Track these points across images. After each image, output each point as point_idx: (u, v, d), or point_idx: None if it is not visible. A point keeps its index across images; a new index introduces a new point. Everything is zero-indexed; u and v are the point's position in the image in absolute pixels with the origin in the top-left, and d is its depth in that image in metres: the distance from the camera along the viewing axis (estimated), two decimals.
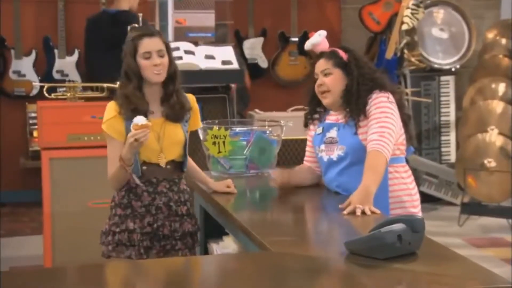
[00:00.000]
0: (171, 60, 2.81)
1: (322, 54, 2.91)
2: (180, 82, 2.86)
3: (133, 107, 2.76)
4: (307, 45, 2.93)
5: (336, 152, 2.88)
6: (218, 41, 5.14)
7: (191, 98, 2.95)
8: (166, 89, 2.81)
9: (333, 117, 2.95)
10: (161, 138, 2.80)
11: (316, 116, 3.00)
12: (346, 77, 2.87)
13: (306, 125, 3.04)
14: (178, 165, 2.88)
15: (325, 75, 2.88)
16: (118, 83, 4.43)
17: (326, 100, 2.91)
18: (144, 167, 2.82)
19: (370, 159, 2.73)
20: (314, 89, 2.94)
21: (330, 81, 2.88)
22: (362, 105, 2.82)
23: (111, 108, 2.83)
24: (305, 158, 3.09)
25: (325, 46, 2.91)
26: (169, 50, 2.80)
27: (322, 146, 2.93)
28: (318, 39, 2.89)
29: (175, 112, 2.82)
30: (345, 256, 2.15)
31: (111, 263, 2.76)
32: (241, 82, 5.16)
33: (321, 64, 2.90)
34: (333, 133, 2.91)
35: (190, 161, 2.97)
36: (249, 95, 5.87)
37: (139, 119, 2.65)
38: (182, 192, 2.89)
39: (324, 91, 2.89)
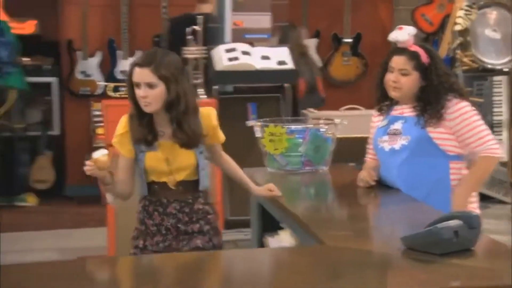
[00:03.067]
0: (169, 89, 2.52)
1: (403, 51, 2.86)
2: (189, 107, 2.57)
3: (135, 136, 2.60)
4: (392, 37, 2.88)
5: (400, 142, 2.85)
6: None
7: (208, 115, 2.66)
8: (170, 116, 2.57)
9: (397, 111, 2.93)
10: (170, 161, 2.61)
11: (385, 108, 2.97)
12: (423, 80, 2.85)
13: (376, 104, 3.00)
14: (192, 184, 2.66)
15: (403, 74, 2.85)
16: None
17: (394, 94, 2.89)
18: (156, 186, 2.65)
19: (482, 165, 2.84)
20: (383, 81, 2.91)
21: (406, 82, 2.85)
22: (439, 110, 2.81)
23: (122, 123, 2.66)
24: (370, 156, 3.06)
25: (410, 43, 2.87)
26: (167, 79, 2.52)
27: (385, 137, 2.90)
28: (405, 37, 2.85)
29: (183, 141, 2.59)
30: (402, 251, 2.10)
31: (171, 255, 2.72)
32: (295, 81, 5.12)
33: (401, 62, 2.86)
34: (398, 125, 2.88)
35: (230, 163, 2.80)
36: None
37: (97, 153, 2.50)
38: (195, 212, 2.66)
39: (396, 87, 2.87)
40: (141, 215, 2.71)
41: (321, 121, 3.44)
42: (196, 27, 4.61)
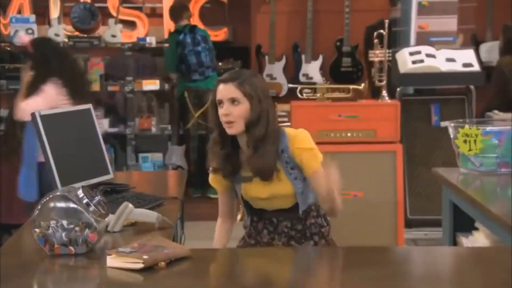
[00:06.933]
0: (252, 107, 2.28)
1: None
2: (268, 132, 2.29)
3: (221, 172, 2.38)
4: None
5: None
6: None
7: (294, 137, 2.36)
8: (248, 141, 2.30)
9: None
10: (265, 192, 2.39)
11: None
12: None
13: None
14: (293, 208, 2.45)
15: None
16: (362, 84, 4.56)
17: None
18: (260, 210, 2.47)
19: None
20: None
21: None
22: None
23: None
24: None
25: None
26: (251, 97, 2.27)
27: None
28: None
29: (255, 169, 2.32)
30: None
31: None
32: (481, 83, 4.94)
33: None
34: None
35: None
36: None
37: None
38: (308, 228, 2.47)
39: None
40: (250, 230, 2.50)
41: None
42: (382, 31, 4.59)
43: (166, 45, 6.02)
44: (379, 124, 4.31)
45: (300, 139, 2.36)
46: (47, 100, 3.73)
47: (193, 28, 5.96)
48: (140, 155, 6.07)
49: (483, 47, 6.13)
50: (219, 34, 6.62)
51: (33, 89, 3.78)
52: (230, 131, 2.28)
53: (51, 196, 2.05)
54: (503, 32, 5.36)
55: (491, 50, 6.13)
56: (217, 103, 2.30)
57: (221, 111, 2.27)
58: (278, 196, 2.39)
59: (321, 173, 2.32)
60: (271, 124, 2.31)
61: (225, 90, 2.27)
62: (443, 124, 3.36)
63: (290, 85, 5.41)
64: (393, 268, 2.04)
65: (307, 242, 2.45)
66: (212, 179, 2.47)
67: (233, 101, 2.26)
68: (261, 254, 2.25)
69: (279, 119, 6.15)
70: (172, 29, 6.14)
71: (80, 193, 2.05)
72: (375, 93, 4.64)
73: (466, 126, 3.14)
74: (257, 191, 2.40)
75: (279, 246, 2.46)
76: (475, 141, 3.11)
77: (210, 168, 2.44)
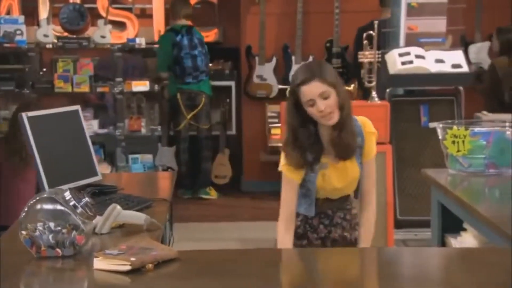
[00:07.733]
0: (339, 92, 2.42)
1: None
2: (350, 111, 2.47)
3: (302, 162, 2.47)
4: None
5: None
6: None
7: (366, 121, 2.56)
8: (334, 127, 2.45)
9: None
10: (341, 178, 2.52)
11: None
12: None
13: None
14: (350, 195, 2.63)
15: None
16: (352, 85, 4.57)
17: None
18: (319, 200, 2.56)
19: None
20: None
21: None
22: None
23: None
24: None
25: None
26: (334, 84, 2.42)
27: None
28: None
29: (345, 149, 2.47)
30: None
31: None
32: (469, 84, 4.95)
33: None
34: None
35: (370, 201, 2.62)
36: None
37: None
38: (354, 218, 2.63)
39: None
40: (301, 229, 2.57)
41: (507, 124, 3.29)
42: (371, 32, 4.59)
43: (156, 46, 6.00)
44: None
45: (369, 124, 2.55)
46: None
47: (190, 30, 5.93)
48: (130, 156, 6.06)
49: (472, 48, 6.16)
50: (209, 35, 6.61)
51: None
52: (331, 122, 2.42)
53: (38, 198, 2.04)
54: (498, 34, 5.37)
55: (480, 51, 6.16)
56: (306, 105, 2.40)
57: (315, 108, 2.39)
58: (351, 179, 2.53)
59: (374, 163, 2.56)
60: (351, 106, 2.47)
61: (313, 88, 2.38)
62: (432, 125, 3.36)
63: (281, 86, 5.41)
64: (382, 269, 2.04)
65: (354, 232, 2.60)
66: (289, 170, 2.51)
67: (323, 95, 2.38)
68: (258, 255, 2.24)
69: (270, 120, 6.30)
70: (168, 28, 6.10)
71: (68, 195, 2.04)
72: (364, 94, 4.64)
73: (454, 127, 3.15)
74: (334, 175, 2.50)
75: (318, 244, 2.56)
76: (463, 142, 3.12)
77: (288, 165, 2.49)
